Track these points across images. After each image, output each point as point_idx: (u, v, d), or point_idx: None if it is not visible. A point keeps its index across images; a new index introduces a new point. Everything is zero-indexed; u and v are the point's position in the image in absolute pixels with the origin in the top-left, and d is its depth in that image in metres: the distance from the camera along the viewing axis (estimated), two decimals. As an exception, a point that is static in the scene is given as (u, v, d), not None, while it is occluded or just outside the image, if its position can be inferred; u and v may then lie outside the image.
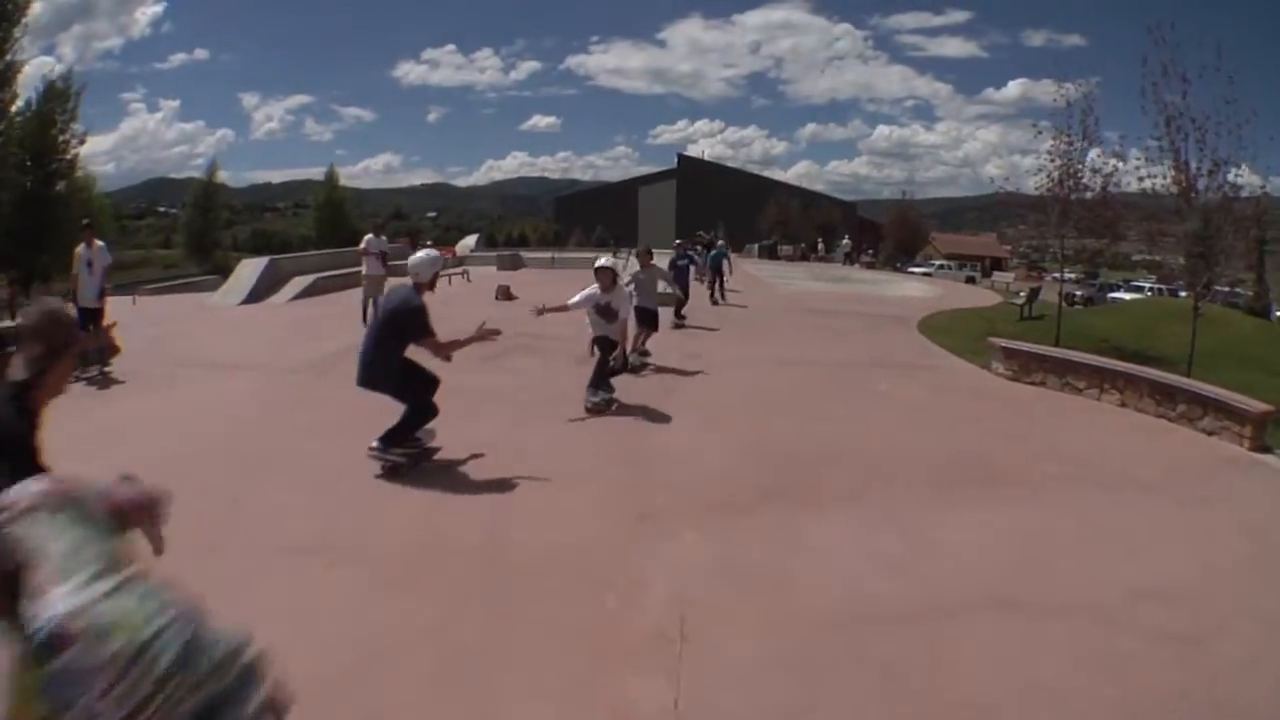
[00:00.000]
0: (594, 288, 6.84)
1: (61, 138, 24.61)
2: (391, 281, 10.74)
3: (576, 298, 6.83)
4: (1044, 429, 6.94)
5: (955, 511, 4.73)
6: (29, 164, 23.61)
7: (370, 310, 11.37)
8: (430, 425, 5.18)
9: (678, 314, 12.47)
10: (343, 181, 55.38)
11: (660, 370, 8.72)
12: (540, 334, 10.76)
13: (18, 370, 1.98)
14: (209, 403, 7.09)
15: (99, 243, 8.44)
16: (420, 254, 5.25)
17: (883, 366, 9.81)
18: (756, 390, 8.03)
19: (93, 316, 8.02)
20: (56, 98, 24.53)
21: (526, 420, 6.52)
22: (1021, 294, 25.82)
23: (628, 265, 13.41)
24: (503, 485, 4.84)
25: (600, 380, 6.85)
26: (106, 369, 7.84)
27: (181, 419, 6.46)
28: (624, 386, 7.46)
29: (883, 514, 4.65)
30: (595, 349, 6.99)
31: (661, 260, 11.66)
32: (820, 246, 42.98)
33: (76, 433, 4.61)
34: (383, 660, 2.94)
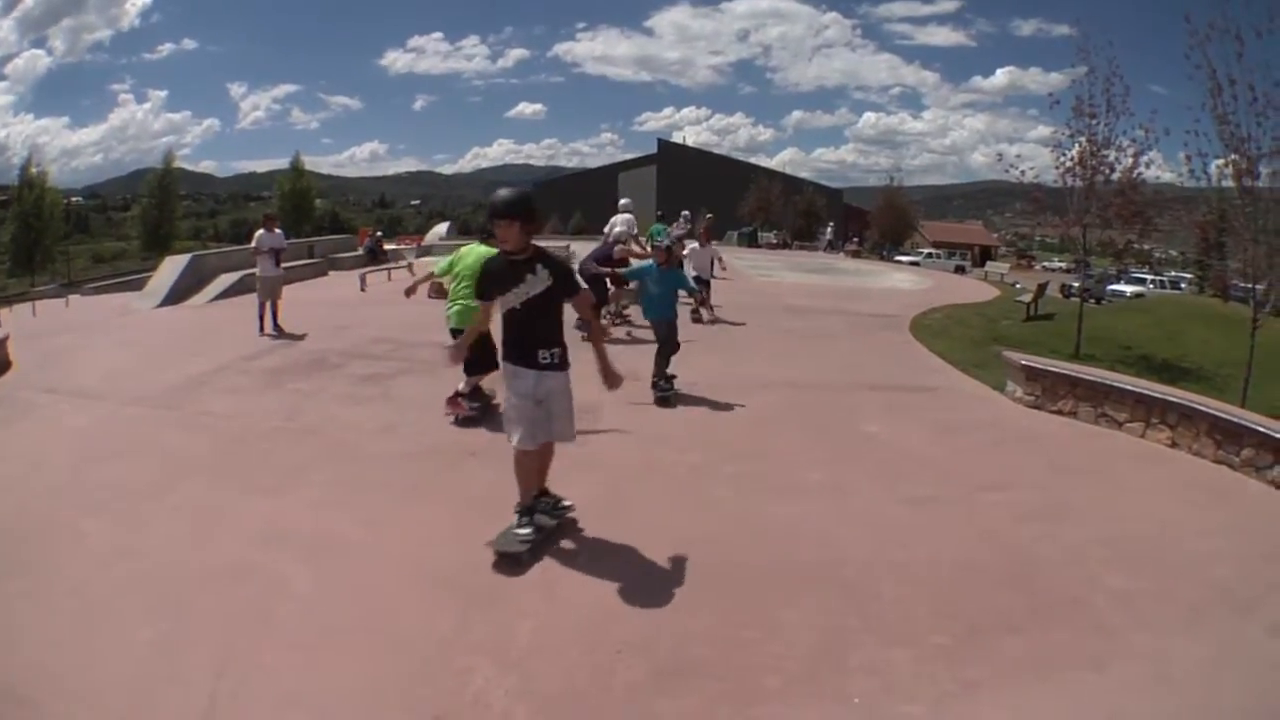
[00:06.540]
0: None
1: None
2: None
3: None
4: (1091, 497, 4.89)
5: (983, 698, 2.71)
6: None
7: (268, 317, 9.96)
8: None
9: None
10: (327, 170, 53.37)
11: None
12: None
13: None
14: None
15: None
16: None
17: (870, 389, 7.74)
18: (698, 434, 5.87)
19: None
20: None
21: (350, 498, 4.39)
22: (1018, 285, 23.84)
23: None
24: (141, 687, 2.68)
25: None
26: None
27: None
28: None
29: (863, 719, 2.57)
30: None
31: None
32: (822, 235, 40.42)
33: None
34: None
